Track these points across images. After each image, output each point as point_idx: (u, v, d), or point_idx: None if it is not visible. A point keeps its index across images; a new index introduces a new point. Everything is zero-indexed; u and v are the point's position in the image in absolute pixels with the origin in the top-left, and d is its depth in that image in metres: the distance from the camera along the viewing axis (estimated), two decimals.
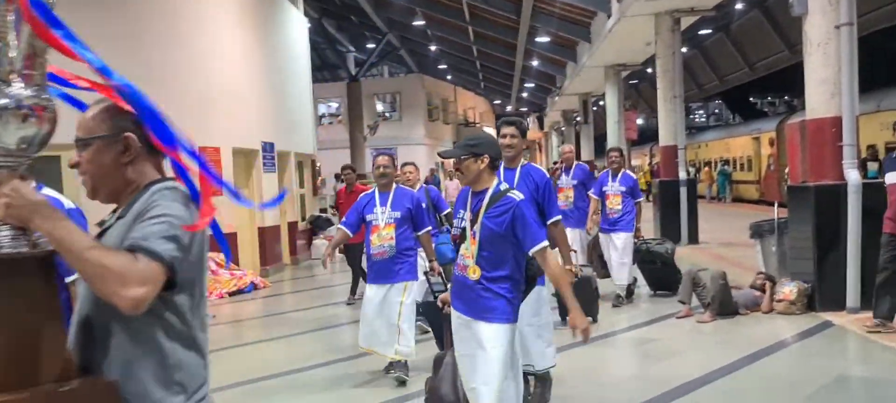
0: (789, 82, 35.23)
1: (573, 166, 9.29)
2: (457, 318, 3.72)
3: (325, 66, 37.54)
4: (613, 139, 21.18)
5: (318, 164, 17.30)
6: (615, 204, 8.36)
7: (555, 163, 8.44)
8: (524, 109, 51.61)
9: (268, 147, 13.47)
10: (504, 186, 3.64)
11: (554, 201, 4.87)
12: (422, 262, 6.18)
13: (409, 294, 5.70)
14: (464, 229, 3.68)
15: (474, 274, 3.57)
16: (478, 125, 46.17)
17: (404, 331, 5.63)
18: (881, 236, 6.50)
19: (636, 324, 7.63)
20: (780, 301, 7.61)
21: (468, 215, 3.68)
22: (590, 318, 7.38)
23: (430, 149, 36.11)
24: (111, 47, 10.22)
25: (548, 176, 4.91)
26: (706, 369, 5.77)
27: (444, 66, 39.18)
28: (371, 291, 5.78)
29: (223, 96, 12.11)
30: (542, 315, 4.74)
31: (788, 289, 7.60)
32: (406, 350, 5.64)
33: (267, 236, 13.19)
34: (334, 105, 38.95)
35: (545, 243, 3.51)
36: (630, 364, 6.30)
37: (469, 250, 3.61)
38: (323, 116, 37.47)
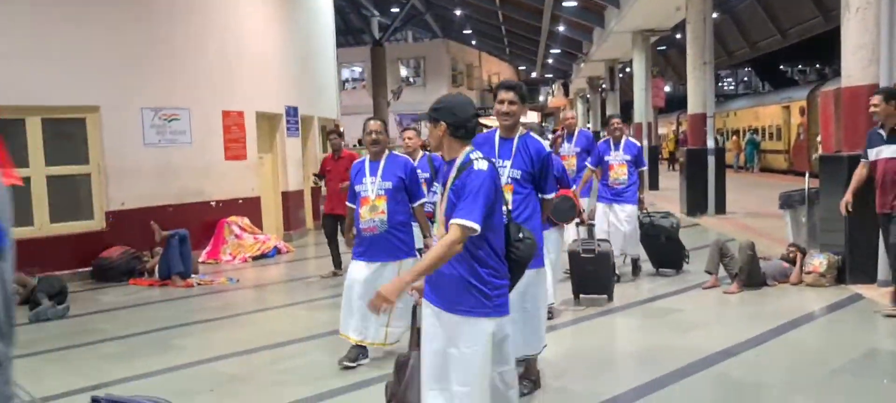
0: (822, 50, 34.57)
1: (576, 133, 8.92)
2: (427, 308, 3.28)
3: (348, 30, 37.37)
4: (640, 106, 20.93)
5: (341, 129, 17.26)
6: (621, 174, 7.95)
7: (554, 130, 7.99)
8: (549, 76, 51.20)
9: (292, 111, 13.45)
10: (473, 155, 3.16)
11: (550, 177, 4.49)
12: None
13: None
14: (436, 205, 3.28)
15: None
16: None
17: (398, 311, 4.85)
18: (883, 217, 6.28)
19: (661, 295, 7.54)
20: (809, 273, 7.49)
21: (440, 188, 3.28)
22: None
23: None
24: (135, 14, 10.30)
25: (547, 149, 4.56)
26: (731, 341, 5.68)
27: (469, 31, 38.86)
28: (356, 269, 5.25)
29: (247, 60, 12.09)
30: (530, 299, 4.39)
31: (818, 261, 7.47)
32: (396, 332, 5.21)
33: (290, 201, 13.23)
34: (358, 70, 38.90)
35: (469, 223, 2.99)
36: (654, 334, 6.21)
37: (439, 229, 3.21)
38: (346, 81, 37.44)
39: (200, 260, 10.49)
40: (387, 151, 5.38)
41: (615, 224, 7.96)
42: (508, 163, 4.41)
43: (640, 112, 20.95)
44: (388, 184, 5.21)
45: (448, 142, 3.21)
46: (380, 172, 5.25)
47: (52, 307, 7.54)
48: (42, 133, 9.40)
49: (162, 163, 10.50)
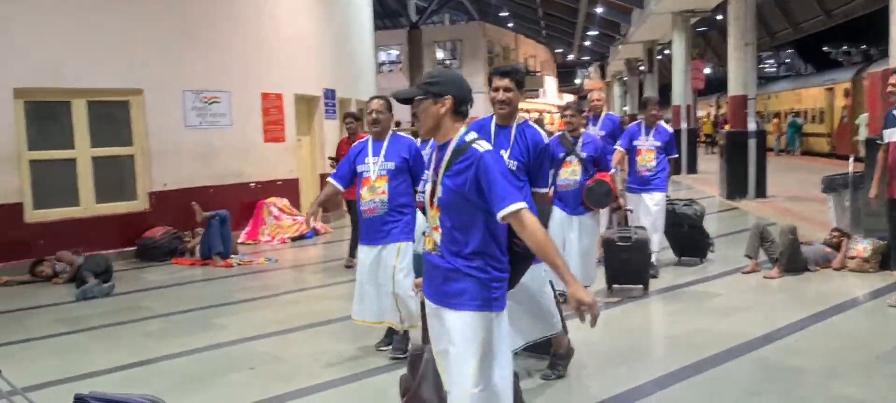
0: (868, 30, 33.64)
1: (602, 116, 8.53)
2: (427, 307, 3.04)
3: (385, 14, 37.40)
4: (679, 89, 20.63)
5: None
6: (649, 160, 7.51)
7: (581, 111, 7.53)
8: (586, 58, 50.70)
9: (329, 94, 13.53)
10: (469, 136, 2.86)
11: (545, 170, 4.27)
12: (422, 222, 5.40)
13: (403, 257, 5.00)
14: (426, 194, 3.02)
15: (436, 248, 2.93)
16: (538, 74, 45.54)
17: (403, 297, 5.01)
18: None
19: (700, 279, 7.47)
20: (852, 258, 7.36)
21: (432, 175, 2.97)
22: (635, 287, 7.22)
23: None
24: None
25: (546, 140, 4.32)
26: (771, 326, 5.62)
27: (506, 14, 38.66)
28: (362, 253, 5.15)
29: (286, 43, 12.19)
30: (521, 288, 3.92)
31: (862, 247, 7.33)
32: (409, 315, 5.07)
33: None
34: (394, 53, 38.93)
35: (520, 204, 2.71)
36: (691, 318, 6.16)
37: (434, 219, 2.93)
38: (383, 64, 37.51)
39: (240, 240, 10.65)
40: (391, 131, 5.23)
41: (639, 214, 7.55)
42: (505, 154, 4.23)
43: (679, 94, 20.66)
44: (391, 165, 5.03)
45: (449, 122, 2.88)
46: (383, 152, 5.08)
47: (98, 285, 7.73)
48: (87, 115, 9.61)
49: (203, 144, 10.68)
